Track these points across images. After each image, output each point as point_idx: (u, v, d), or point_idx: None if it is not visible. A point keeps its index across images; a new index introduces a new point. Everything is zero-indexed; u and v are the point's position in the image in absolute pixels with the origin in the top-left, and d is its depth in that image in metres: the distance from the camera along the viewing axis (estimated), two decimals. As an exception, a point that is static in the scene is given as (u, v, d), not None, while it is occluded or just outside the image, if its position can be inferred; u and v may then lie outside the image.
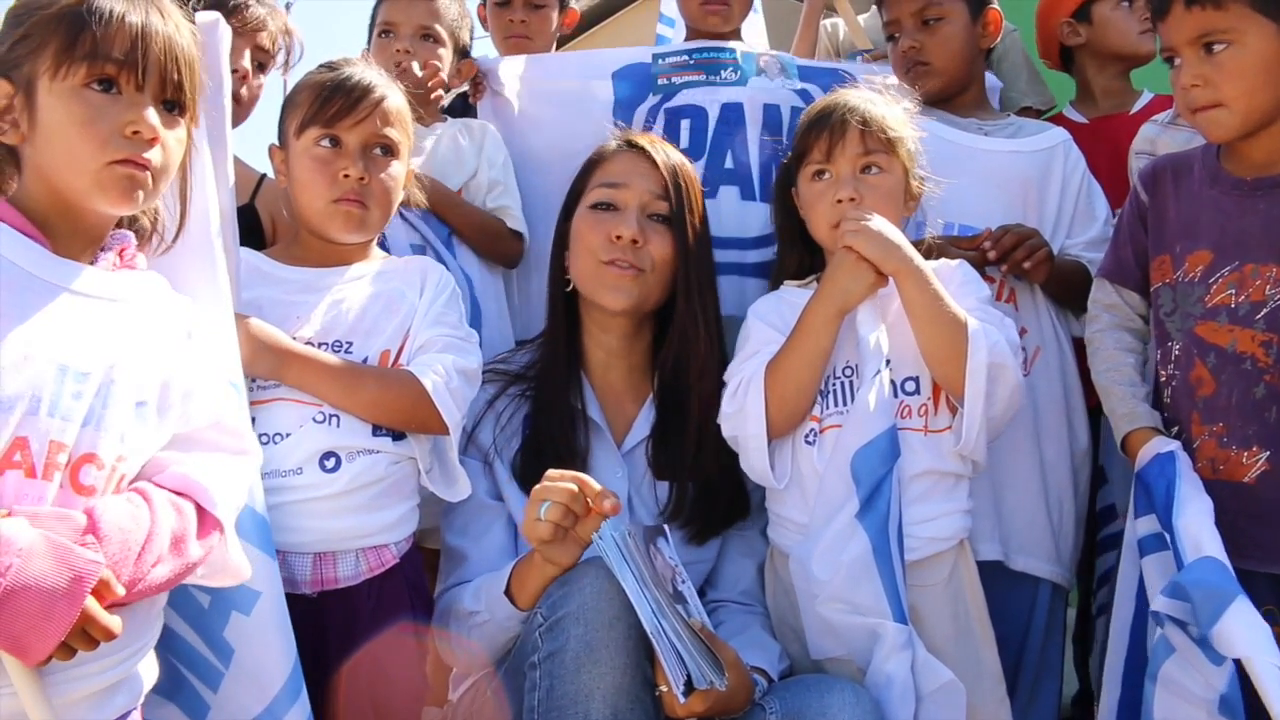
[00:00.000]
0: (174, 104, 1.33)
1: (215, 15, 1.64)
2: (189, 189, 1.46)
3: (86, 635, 1.15)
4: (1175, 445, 1.72)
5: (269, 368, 1.67)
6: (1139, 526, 1.72)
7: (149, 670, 1.35)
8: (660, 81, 2.37)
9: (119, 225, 1.40)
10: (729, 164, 2.31)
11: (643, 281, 1.88)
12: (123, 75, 1.28)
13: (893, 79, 2.30)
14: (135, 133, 1.28)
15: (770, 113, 2.34)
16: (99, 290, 1.30)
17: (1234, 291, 1.71)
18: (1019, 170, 2.23)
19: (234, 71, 2.07)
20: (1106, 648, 2.22)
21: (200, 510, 1.30)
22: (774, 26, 3.50)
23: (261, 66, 2.22)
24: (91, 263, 1.33)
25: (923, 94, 2.15)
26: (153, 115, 1.29)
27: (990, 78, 2.53)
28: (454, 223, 2.31)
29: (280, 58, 2.27)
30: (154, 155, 1.30)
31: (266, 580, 1.55)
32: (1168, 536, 1.61)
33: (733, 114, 2.33)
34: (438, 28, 2.41)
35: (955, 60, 2.29)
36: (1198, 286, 1.75)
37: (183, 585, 1.45)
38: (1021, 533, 2.10)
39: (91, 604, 1.13)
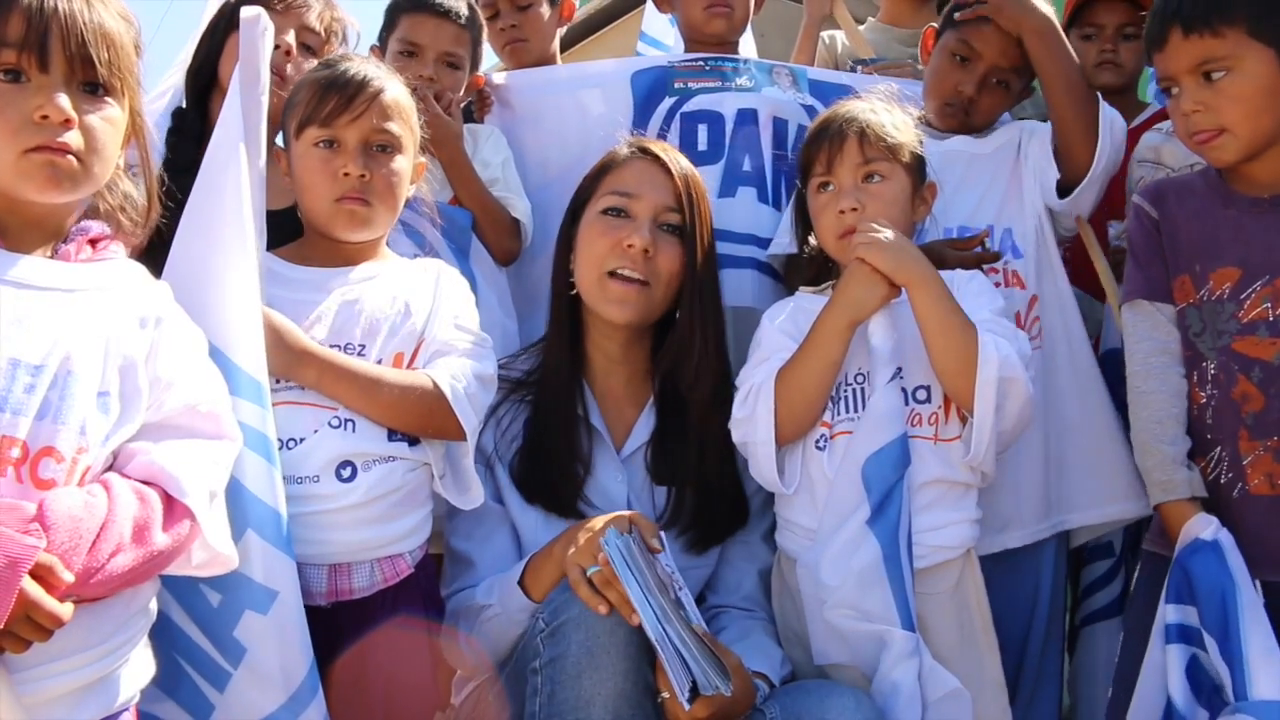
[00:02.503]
0: (95, 84, 1.28)
1: (257, 10, 1.63)
2: (151, 169, 1.41)
3: (36, 624, 1.13)
4: (1216, 529, 1.65)
5: (284, 365, 1.63)
6: (1169, 613, 1.66)
7: (139, 671, 1.33)
8: (676, 85, 2.38)
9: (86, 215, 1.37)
10: (747, 167, 2.32)
11: (648, 295, 1.88)
12: (23, 60, 1.23)
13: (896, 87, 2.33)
14: (44, 117, 1.23)
15: (779, 127, 2.35)
16: (49, 281, 1.26)
17: (1270, 305, 1.71)
18: (1004, 164, 2.24)
19: (275, 48, 2.03)
20: (1091, 664, 2.25)
21: (169, 499, 1.27)
22: (777, 32, 3.51)
23: (311, 49, 2.18)
24: (51, 256, 1.30)
25: (943, 128, 2.23)
26: (62, 98, 1.24)
27: None
28: (463, 194, 2.28)
29: (336, 43, 2.23)
30: (72, 139, 1.25)
31: (285, 579, 1.53)
32: (1214, 647, 1.57)
33: (748, 119, 2.35)
34: (461, 53, 2.35)
35: (989, 118, 2.29)
36: (1228, 304, 1.74)
37: (192, 583, 1.45)
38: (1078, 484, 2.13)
39: (33, 589, 1.11)
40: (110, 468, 1.28)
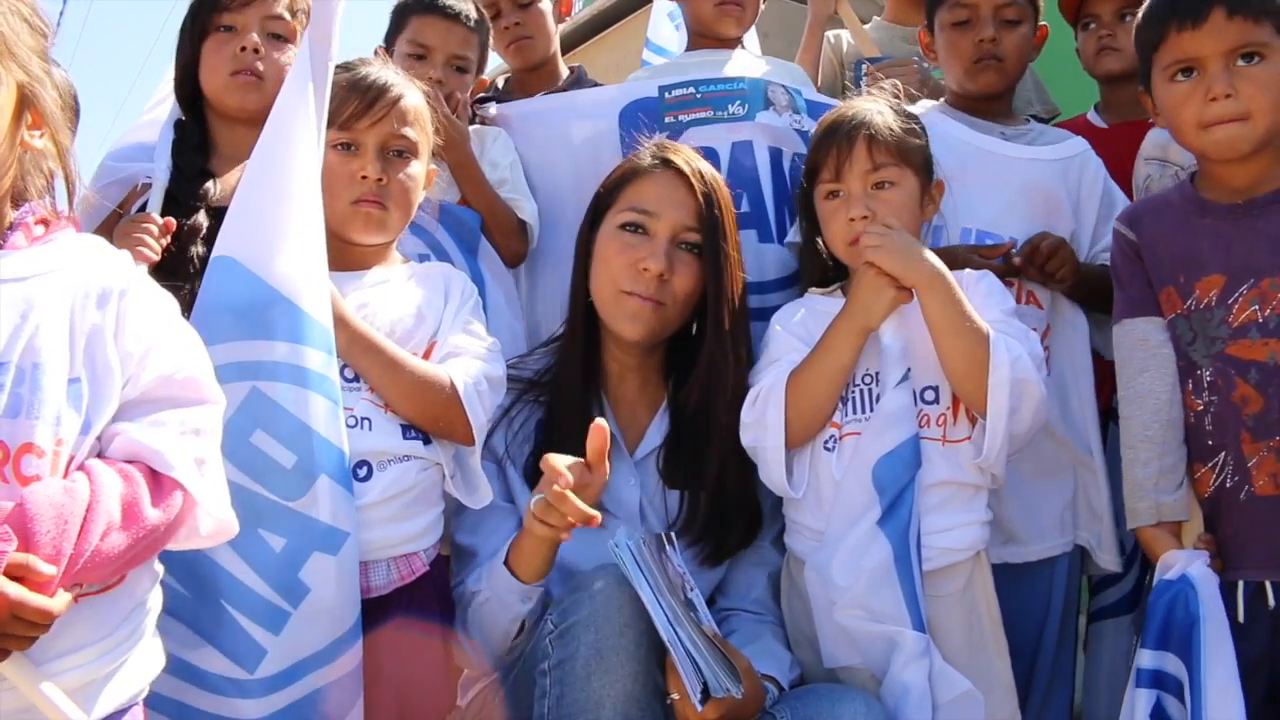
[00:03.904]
0: None
1: None
2: (63, 152, 1.33)
3: (28, 623, 1.11)
4: (1182, 565, 1.64)
5: None
6: (1144, 657, 1.65)
7: (146, 665, 1.32)
8: (667, 119, 2.31)
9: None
10: (745, 207, 2.24)
11: (662, 314, 1.87)
12: None
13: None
14: None
15: (775, 155, 2.30)
16: (1, 273, 1.22)
17: (1257, 307, 1.71)
18: (1039, 177, 2.20)
19: (243, 49, 2.05)
20: (1099, 661, 2.25)
21: (155, 474, 1.24)
22: (780, 32, 3.52)
23: (282, 37, 2.12)
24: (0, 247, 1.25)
25: (980, 90, 2.19)
26: None
27: None
28: (471, 196, 2.28)
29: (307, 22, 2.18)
30: None
31: (352, 520, 1.57)
32: (1189, 689, 1.58)
33: (744, 153, 2.28)
34: (470, 55, 2.36)
35: (1022, 63, 2.27)
36: (1216, 310, 1.75)
37: (251, 530, 1.46)
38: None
39: (13, 590, 1.09)
40: (97, 455, 1.26)
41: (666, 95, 2.35)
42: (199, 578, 1.46)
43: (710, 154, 2.24)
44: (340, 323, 1.67)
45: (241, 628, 1.51)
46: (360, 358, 1.70)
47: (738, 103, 2.31)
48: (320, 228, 1.63)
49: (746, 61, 2.51)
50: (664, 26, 3.55)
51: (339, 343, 1.67)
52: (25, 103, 1.27)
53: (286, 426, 1.55)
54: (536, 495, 1.57)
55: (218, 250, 1.62)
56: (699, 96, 2.33)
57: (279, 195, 1.61)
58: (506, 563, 1.70)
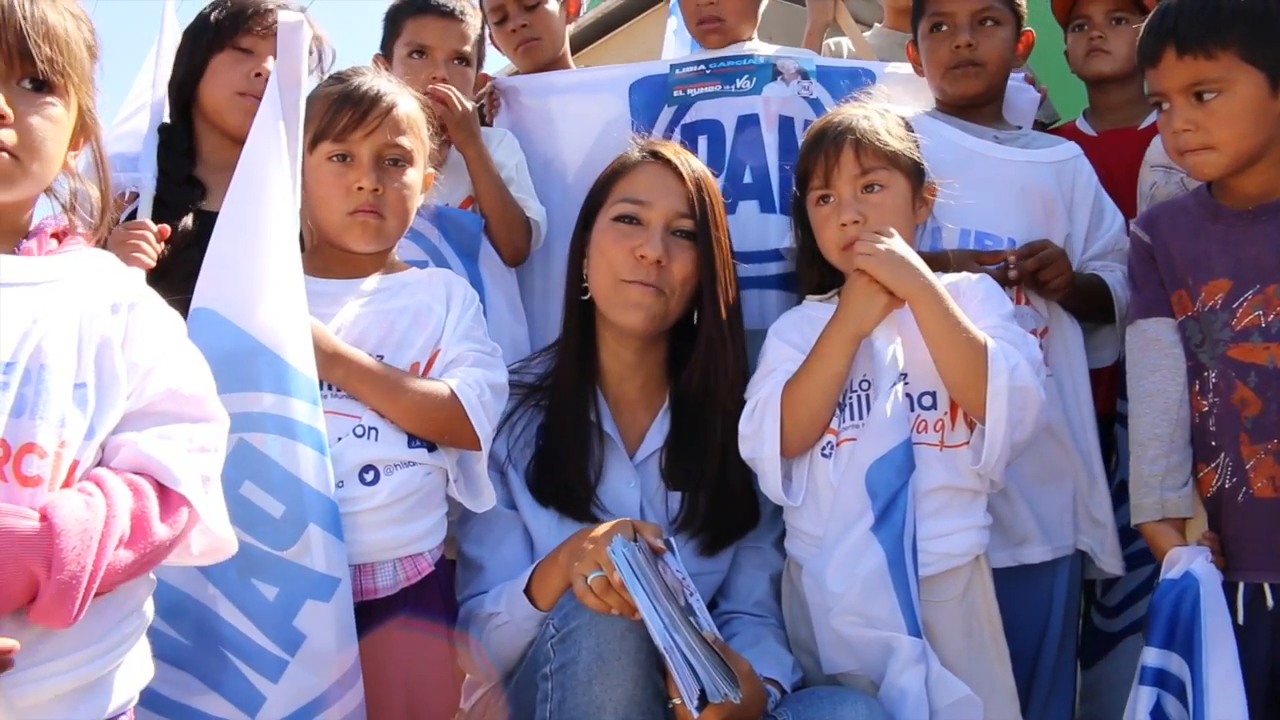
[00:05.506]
0: (39, 81, 1.23)
1: (299, 17, 1.68)
2: (106, 170, 1.37)
3: None
4: (1184, 564, 1.67)
5: (317, 365, 1.65)
6: (1149, 655, 1.68)
7: (136, 674, 1.30)
8: (675, 93, 2.36)
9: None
10: (748, 178, 2.29)
11: (663, 302, 1.88)
12: None
13: (908, 74, 2.32)
14: None
15: (785, 126, 2.32)
16: (12, 277, 1.23)
17: (1261, 312, 1.74)
18: (1034, 180, 2.20)
19: (257, 75, 2.08)
20: (1112, 673, 2.24)
21: (163, 489, 1.24)
22: (782, 35, 3.52)
23: None
24: (13, 252, 1.27)
25: (960, 95, 2.20)
26: None
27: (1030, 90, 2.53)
28: (486, 189, 2.28)
29: (311, 62, 2.19)
30: (6, 136, 1.21)
31: (342, 565, 1.58)
32: (1190, 687, 1.59)
33: (749, 125, 2.32)
34: (469, 50, 2.39)
35: (1003, 67, 2.28)
36: (1221, 313, 1.77)
37: (245, 579, 1.49)
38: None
39: None
40: (100, 462, 1.24)
41: (676, 71, 2.39)
42: (200, 628, 1.48)
43: (715, 126, 2.30)
44: (335, 358, 1.69)
45: (243, 675, 1.52)
46: (359, 387, 1.71)
47: (745, 77, 2.35)
48: (299, 273, 1.63)
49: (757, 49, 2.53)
50: (670, 46, 3.56)
51: (336, 376, 1.69)
52: (81, 126, 1.30)
53: (275, 477, 1.55)
54: (596, 573, 1.55)
55: (196, 302, 1.61)
56: (708, 72, 2.38)
57: (255, 243, 1.61)
58: (528, 590, 1.71)
